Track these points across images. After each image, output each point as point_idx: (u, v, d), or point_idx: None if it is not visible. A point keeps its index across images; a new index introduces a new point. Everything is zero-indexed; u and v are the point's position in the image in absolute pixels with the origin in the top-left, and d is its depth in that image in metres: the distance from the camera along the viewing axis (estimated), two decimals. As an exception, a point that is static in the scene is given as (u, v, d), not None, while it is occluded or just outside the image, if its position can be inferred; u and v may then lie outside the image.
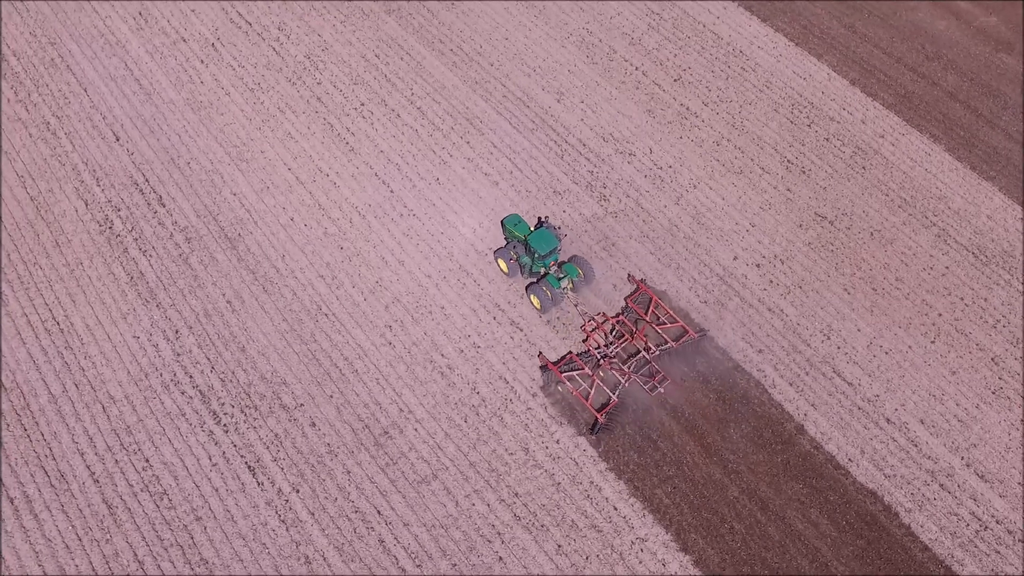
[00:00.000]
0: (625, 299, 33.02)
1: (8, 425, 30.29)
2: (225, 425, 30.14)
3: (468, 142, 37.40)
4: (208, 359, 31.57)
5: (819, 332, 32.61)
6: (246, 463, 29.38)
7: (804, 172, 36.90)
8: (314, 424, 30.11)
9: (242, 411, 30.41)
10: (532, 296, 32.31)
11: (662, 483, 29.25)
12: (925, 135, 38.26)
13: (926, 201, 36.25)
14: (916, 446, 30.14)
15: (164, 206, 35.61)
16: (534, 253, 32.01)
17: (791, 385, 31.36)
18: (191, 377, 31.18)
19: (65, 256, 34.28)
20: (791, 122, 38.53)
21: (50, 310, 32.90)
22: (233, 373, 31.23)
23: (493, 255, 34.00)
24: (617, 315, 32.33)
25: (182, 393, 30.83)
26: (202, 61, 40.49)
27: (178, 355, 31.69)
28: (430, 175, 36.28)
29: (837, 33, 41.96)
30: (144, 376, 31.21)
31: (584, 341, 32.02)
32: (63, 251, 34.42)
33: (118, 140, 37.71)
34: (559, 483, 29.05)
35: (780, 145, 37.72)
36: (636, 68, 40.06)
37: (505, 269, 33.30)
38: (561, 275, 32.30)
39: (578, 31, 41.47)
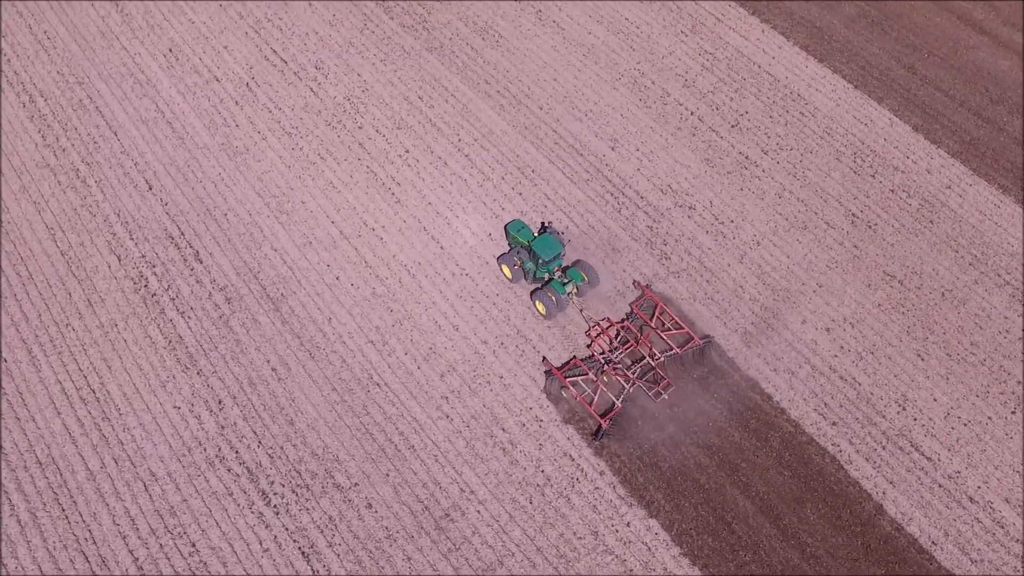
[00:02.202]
0: (630, 304, 32.41)
1: (45, 504, 28.61)
2: (276, 506, 28.49)
3: (520, 193, 35.69)
4: (255, 433, 29.89)
5: (894, 402, 31.11)
6: (299, 548, 27.74)
7: (870, 227, 35.32)
8: (370, 505, 28.47)
9: (293, 491, 28.75)
10: (537, 302, 32.00)
11: (739, 569, 27.74)
12: (994, 185, 36.71)
13: (998, 258, 34.73)
14: (1002, 527, 28.70)
15: (201, 262, 33.84)
16: (538, 258, 31.82)
17: (868, 461, 29.87)
18: (237, 453, 29.50)
19: (99, 317, 32.51)
20: (854, 172, 36.94)
21: (84, 377, 31.16)
22: (282, 448, 29.56)
23: (496, 261, 33.39)
24: (622, 320, 31.92)
25: (228, 471, 29.16)
26: (236, 102, 38.63)
27: (222, 428, 29.99)
28: (482, 230, 34.56)
29: (897, 75, 40.33)
30: (187, 451, 29.51)
31: (588, 346, 31.48)
32: (96, 311, 32.65)
33: (151, 189, 35.90)
34: (631, 570, 27.50)
35: (844, 197, 36.12)
36: (691, 113, 38.37)
37: (509, 275, 32.85)
38: (565, 280, 31.94)
39: (629, 72, 39.74)
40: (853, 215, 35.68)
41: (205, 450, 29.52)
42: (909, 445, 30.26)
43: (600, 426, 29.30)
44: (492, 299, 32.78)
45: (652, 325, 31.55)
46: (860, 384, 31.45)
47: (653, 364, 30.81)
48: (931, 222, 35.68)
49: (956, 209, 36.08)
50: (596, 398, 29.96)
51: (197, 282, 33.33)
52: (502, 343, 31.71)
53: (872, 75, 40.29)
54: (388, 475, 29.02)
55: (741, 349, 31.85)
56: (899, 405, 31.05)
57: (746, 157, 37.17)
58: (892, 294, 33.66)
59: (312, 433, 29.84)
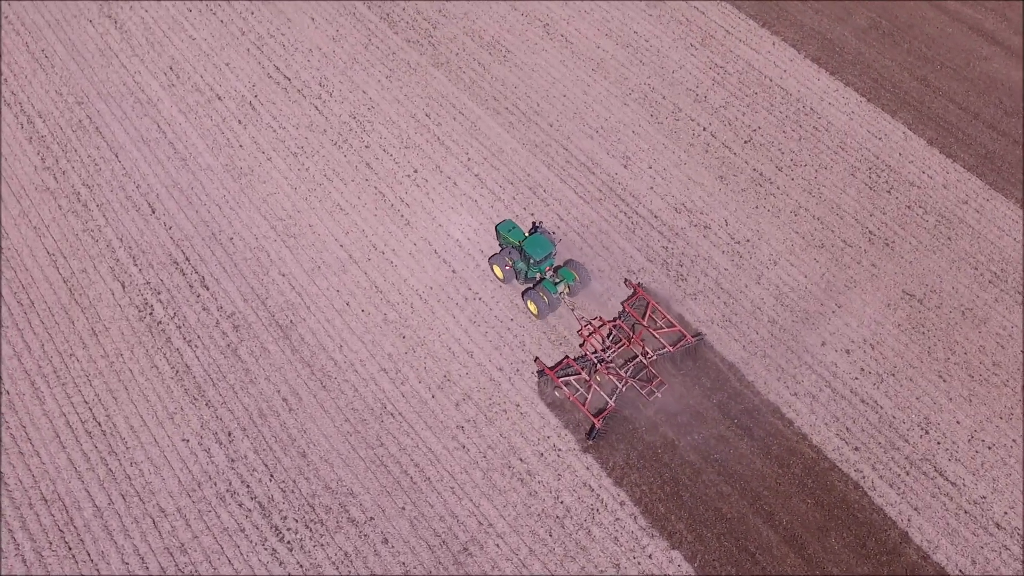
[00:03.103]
0: (622, 303, 32.31)
1: (51, 543, 27.83)
2: (289, 542, 27.76)
3: (532, 214, 34.99)
4: (266, 466, 29.15)
5: (916, 426, 30.57)
6: (314, 586, 27.10)
7: (888, 244, 34.78)
8: (386, 540, 27.77)
9: (307, 526, 28.03)
10: (529, 302, 31.88)
11: (763, 601, 27.24)
12: (1011, 200, 36.21)
13: (1017, 274, 34.22)
14: (1030, 555, 28.26)
15: (207, 288, 33.06)
16: (529, 258, 31.78)
17: (891, 487, 29.33)
18: (248, 487, 28.76)
19: (103, 346, 31.71)
20: (870, 188, 36.38)
21: (90, 409, 30.36)
22: (294, 482, 28.83)
23: (488, 261, 33.21)
24: (614, 319, 31.90)
25: (240, 506, 28.41)
26: (239, 121, 37.82)
27: (232, 461, 29.25)
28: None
29: (910, 87, 39.79)
30: (197, 486, 28.75)
31: (581, 346, 31.37)
32: (100, 340, 31.85)
33: (154, 212, 35.08)
34: (654, 604, 26.97)
35: (860, 214, 35.56)
36: (704, 128, 37.75)
37: (500, 276, 32.71)
38: (557, 280, 31.84)
39: (640, 87, 39.09)
40: (870, 232, 35.13)
41: (215, 484, 28.78)
42: (933, 470, 29.73)
43: (593, 425, 29.25)
44: (506, 324, 32.11)
45: (644, 323, 31.46)
46: (882, 407, 30.91)
47: (646, 363, 30.82)
48: (949, 239, 35.15)
49: (974, 225, 35.57)
50: (589, 397, 29.97)
51: (203, 309, 32.55)
52: (517, 370, 31.04)
53: (885, 88, 39.75)
54: (404, 508, 28.33)
55: (761, 373, 31.25)
56: (922, 428, 30.52)
57: (760, 174, 36.57)
58: (912, 314, 33.13)
59: (325, 466, 29.13)
